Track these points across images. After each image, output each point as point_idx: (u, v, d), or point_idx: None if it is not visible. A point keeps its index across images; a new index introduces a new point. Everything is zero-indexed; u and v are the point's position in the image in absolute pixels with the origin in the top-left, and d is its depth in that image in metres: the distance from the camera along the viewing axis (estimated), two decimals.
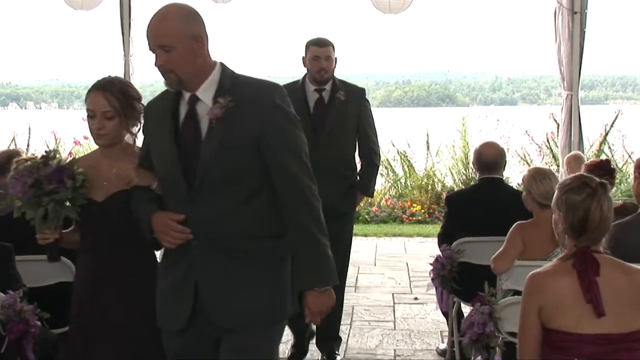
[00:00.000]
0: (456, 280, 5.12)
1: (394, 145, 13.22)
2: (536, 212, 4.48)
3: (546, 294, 2.95)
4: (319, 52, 5.35)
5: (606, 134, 12.39)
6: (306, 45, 5.43)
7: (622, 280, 2.95)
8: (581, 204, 2.95)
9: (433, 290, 5.57)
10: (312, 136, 4.69)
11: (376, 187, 13.44)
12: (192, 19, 2.98)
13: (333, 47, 5.41)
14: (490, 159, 5.29)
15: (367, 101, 5.61)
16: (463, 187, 11.66)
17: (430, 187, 12.50)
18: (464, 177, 12.62)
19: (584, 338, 2.90)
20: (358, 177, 5.64)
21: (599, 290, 2.89)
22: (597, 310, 2.88)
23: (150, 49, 2.99)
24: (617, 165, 11.76)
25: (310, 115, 5.36)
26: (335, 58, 5.43)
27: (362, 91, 5.60)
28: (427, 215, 11.83)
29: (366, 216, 11.77)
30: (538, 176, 4.51)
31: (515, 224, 4.52)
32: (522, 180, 4.67)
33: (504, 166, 5.43)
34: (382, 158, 13.05)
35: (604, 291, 2.89)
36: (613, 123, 12.42)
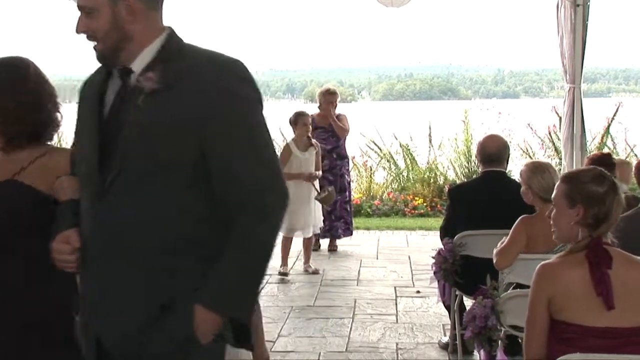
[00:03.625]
0: (458, 274, 5.12)
1: (396, 139, 13.24)
2: (539, 206, 4.47)
3: (556, 285, 2.94)
4: None
5: (608, 127, 12.40)
6: None
7: (632, 274, 2.95)
8: (605, 196, 2.98)
9: (435, 284, 5.58)
10: (95, 171, 2.41)
11: (378, 182, 13.53)
12: None
13: None
14: (493, 151, 5.29)
15: (237, 96, 2.36)
16: (465, 180, 11.65)
17: (432, 180, 12.50)
18: (467, 170, 12.62)
19: (591, 331, 2.89)
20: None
21: (610, 283, 2.89)
22: (607, 303, 2.87)
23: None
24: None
25: (97, 126, 2.46)
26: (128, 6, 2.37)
27: (217, 72, 2.37)
28: (429, 209, 11.83)
29: (368, 209, 11.77)
30: (538, 171, 4.47)
31: (520, 218, 4.48)
32: (520, 175, 4.63)
33: (507, 159, 5.42)
34: (385, 151, 13.22)
35: (615, 284, 2.89)
36: (614, 115, 12.43)
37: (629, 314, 2.91)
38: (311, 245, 8.29)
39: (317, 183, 8.05)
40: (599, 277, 2.89)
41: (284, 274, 7.77)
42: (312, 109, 9.19)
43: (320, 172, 8.05)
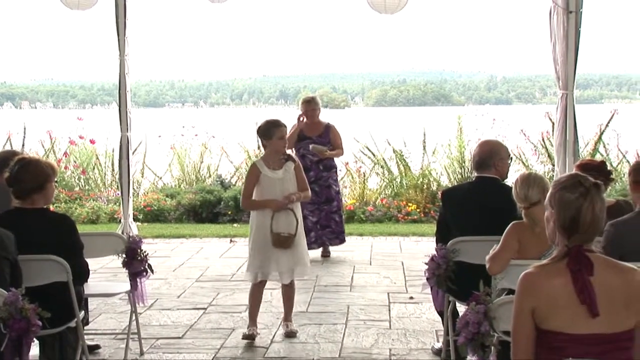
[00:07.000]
0: (451, 280, 5.13)
1: (389, 145, 13.25)
2: (523, 213, 4.55)
3: (539, 295, 2.94)
4: None
5: (601, 134, 12.45)
6: None
7: (615, 280, 2.95)
8: (573, 202, 2.97)
9: (428, 290, 5.58)
10: None
11: (371, 188, 13.54)
12: None
13: None
14: (475, 157, 5.35)
15: None
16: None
17: (425, 186, 12.53)
18: (460, 176, 12.66)
19: (578, 338, 2.90)
20: None
21: (593, 290, 2.89)
22: (591, 310, 2.87)
23: None
24: (611, 165, 11.79)
25: None
26: None
27: None
28: (422, 215, 11.85)
29: (362, 215, 11.78)
30: (521, 181, 4.59)
31: (511, 224, 4.55)
32: None
33: (494, 165, 5.35)
34: (378, 157, 13.20)
35: (598, 291, 2.89)
36: (609, 122, 12.47)
37: (614, 319, 2.91)
38: (292, 295, 6.38)
39: (297, 209, 6.15)
40: (582, 285, 2.89)
41: (248, 336, 6.01)
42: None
43: (308, 193, 6.27)
